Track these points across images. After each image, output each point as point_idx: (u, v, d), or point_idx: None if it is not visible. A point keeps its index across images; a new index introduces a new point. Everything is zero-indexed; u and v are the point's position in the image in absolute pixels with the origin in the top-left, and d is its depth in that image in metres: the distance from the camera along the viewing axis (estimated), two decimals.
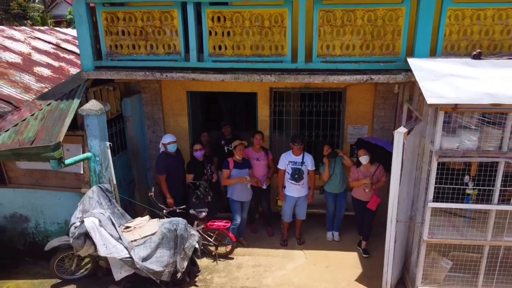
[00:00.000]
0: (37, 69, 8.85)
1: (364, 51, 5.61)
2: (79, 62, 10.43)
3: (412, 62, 5.34)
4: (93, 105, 5.91)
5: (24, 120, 5.87)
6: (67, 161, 5.62)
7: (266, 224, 7.31)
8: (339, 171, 6.65)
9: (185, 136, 7.58)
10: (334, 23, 5.51)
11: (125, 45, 5.95)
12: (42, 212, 6.57)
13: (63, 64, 9.79)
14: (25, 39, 10.47)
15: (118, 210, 6.00)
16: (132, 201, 6.85)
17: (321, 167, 6.67)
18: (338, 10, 5.46)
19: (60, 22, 62.45)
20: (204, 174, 6.72)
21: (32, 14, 57.31)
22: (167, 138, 6.69)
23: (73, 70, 9.68)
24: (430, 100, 4.51)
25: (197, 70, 5.87)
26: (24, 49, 9.76)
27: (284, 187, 6.64)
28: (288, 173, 6.52)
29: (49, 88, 8.36)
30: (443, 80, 4.84)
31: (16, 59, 8.97)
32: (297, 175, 6.45)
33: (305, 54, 5.66)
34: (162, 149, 6.78)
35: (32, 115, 5.93)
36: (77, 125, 6.18)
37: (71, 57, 10.54)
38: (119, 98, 7.07)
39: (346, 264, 6.36)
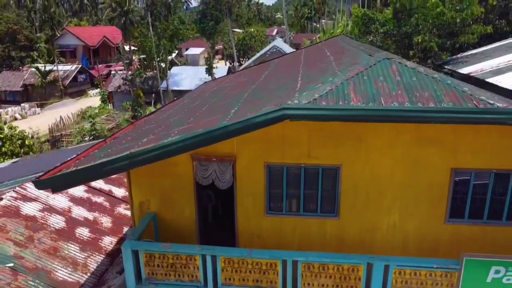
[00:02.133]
0: (78, 231, 10.96)
1: None
2: (108, 205, 12.56)
3: None
4: None
5: None
6: None
7: None
8: None
9: None
10: (311, 276, 7.63)
11: (159, 273, 8.04)
12: None
13: (96, 214, 11.89)
14: None
15: None
16: None
17: None
18: (316, 263, 7.58)
19: (64, 52, 63.71)
20: None
21: (38, 45, 58.83)
22: None
23: (105, 220, 11.80)
24: None
25: None
26: (64, 202, 11.84)
27: None
28: None
29: (90, 254, 10.47)
30: None
31: (61, 222, 11.06)
32: None
33: None
34: None
35: None
36: None
37: (101, 199, 12.63)
38: None
39: None
